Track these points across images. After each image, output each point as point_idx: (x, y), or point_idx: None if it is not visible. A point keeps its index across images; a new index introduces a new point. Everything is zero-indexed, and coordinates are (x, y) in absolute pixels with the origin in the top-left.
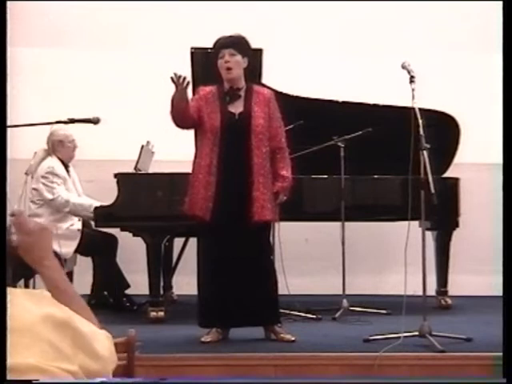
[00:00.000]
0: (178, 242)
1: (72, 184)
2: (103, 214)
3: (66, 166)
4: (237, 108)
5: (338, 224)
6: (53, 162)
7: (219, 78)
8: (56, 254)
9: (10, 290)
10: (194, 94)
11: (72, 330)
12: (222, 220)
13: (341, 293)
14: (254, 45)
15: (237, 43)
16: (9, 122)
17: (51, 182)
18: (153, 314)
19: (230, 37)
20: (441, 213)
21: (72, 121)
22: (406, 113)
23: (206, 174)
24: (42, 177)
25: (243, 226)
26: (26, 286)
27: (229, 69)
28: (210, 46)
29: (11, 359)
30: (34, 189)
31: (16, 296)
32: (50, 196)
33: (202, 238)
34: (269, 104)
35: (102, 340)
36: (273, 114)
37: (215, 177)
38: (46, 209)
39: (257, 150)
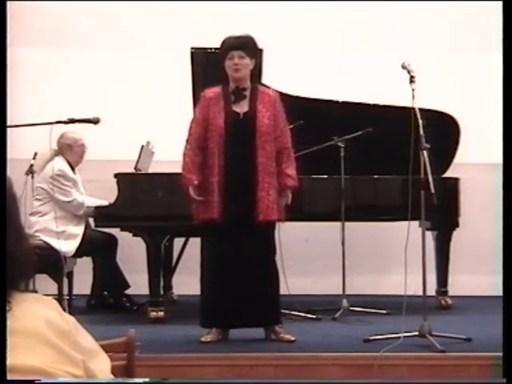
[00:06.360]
0: (178, 242)
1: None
2: (103, 214)
3: (73, 169)
4: (242, 108)
5: (338, 224)
6: (62, 164)
7: (224, 78)
8: (57, 252)
9: (21, 294)
10: (194, 94)
11: (73, 340)
12: (228, 220)
13: (341, 293)
14: None
15: (246, 46)
16: (9, 122)
17: (63, 185)
18: (153, 313)
19: (240, 38)
20: (441, 213)
21: (72, 121)
22: (405, 113)
23: (214, 175)
24: (53, 178)
25: (249, 226)
26: (26, 286)
27: (237, 70)
28: (210, 46)
29: (14, 360)
30: (40, 187)
31: (26, 299)
32: (64, 198)
33: (207, 237)
34: (274, 104)
35: (100, 361)
36: (278, 114)
37: (221, 177)
38: (52, 206)
39: (262, 150)
